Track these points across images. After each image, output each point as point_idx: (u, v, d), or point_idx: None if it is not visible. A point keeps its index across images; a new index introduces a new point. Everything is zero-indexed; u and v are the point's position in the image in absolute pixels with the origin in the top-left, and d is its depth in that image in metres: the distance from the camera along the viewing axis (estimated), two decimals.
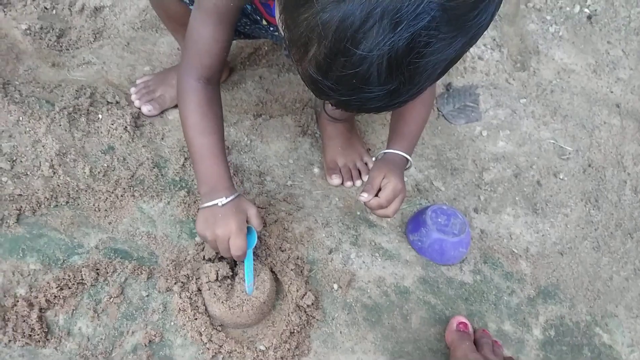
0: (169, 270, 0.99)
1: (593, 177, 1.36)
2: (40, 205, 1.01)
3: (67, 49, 1.30)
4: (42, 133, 1.08)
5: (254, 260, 0.98)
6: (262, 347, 0.95)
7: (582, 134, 1.42)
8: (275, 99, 1.33)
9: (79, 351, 0.89)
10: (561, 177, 1.34)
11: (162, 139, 1.18)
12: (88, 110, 1.15)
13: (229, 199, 0.91)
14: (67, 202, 1.03)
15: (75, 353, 0.89)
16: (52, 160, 1.05)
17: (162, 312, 0.95)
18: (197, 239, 1.04)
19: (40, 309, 0.90)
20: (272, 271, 1.02)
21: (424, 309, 1.07)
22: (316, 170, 1.24)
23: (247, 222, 0.94)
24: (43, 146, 1.07)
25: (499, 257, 1.19)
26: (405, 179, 1.05)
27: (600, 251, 1.26)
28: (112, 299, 0.94)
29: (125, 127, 1.14)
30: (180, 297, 0.95)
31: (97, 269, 0.95)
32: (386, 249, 1.12)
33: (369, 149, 1.29)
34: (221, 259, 1.00)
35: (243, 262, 0.96)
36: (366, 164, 1.25)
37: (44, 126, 1.09)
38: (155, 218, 1.06)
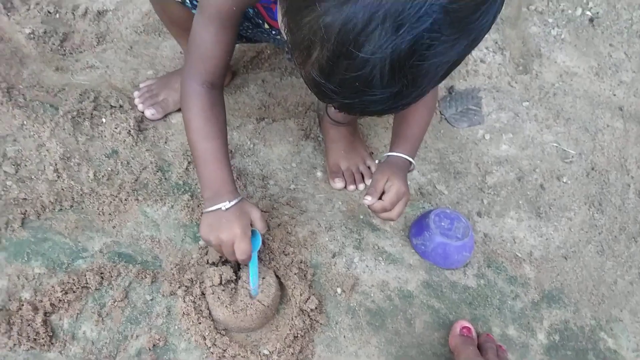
0: (173, 274, 0.99)
1: (596, 181, 1.36)
2: (44, 209, 1.01)
3: (71, 53, 1.31)
4: (46, 137, 1.08)
5: (258, 263, 0.98)
6: (266, 351, 0.95)
7: (585, 137, 1.42)
8: (277, 102, 1.33)
9: (84, 355, 0.89)
10: (564, 181, 1.34)
11: (166, 142, 1.19)
12: (92, 114, 1.15)
13: (232, 203, 0.91)
14: (72, 206, 1.03)
15: (80, 357, 0.89)
16: (56, 164, 1.05)
17: (166, 316, 0.95)
18: (201, 242, 1.04)
19: (45, 313, 0.90)
20: (275, 275, 1.02)
21: (428, 313, 1.06)
22: (319, 173, 1.24)
23: (251, 225, 0.94)
24: (47, 150, 1.07)
25: (503, 261, 1.18)
26: (408, 182, 1.05)
27: (605, 255, 1.25)
28: (116, 302, 0.94)
29: (129, 131, 1.15)
30: (184, 301, 0.95)
31: (102, 273, 0.96)
32: (389, 253, 1.12)
33: (372, 152, 1.29)
34: (225, 262, 1.00)
35: (247, 265, 0.96)
36: (369, 167, 1.25)
37: (48, 130, 1.09)
38: (159, 222, 1.06)
